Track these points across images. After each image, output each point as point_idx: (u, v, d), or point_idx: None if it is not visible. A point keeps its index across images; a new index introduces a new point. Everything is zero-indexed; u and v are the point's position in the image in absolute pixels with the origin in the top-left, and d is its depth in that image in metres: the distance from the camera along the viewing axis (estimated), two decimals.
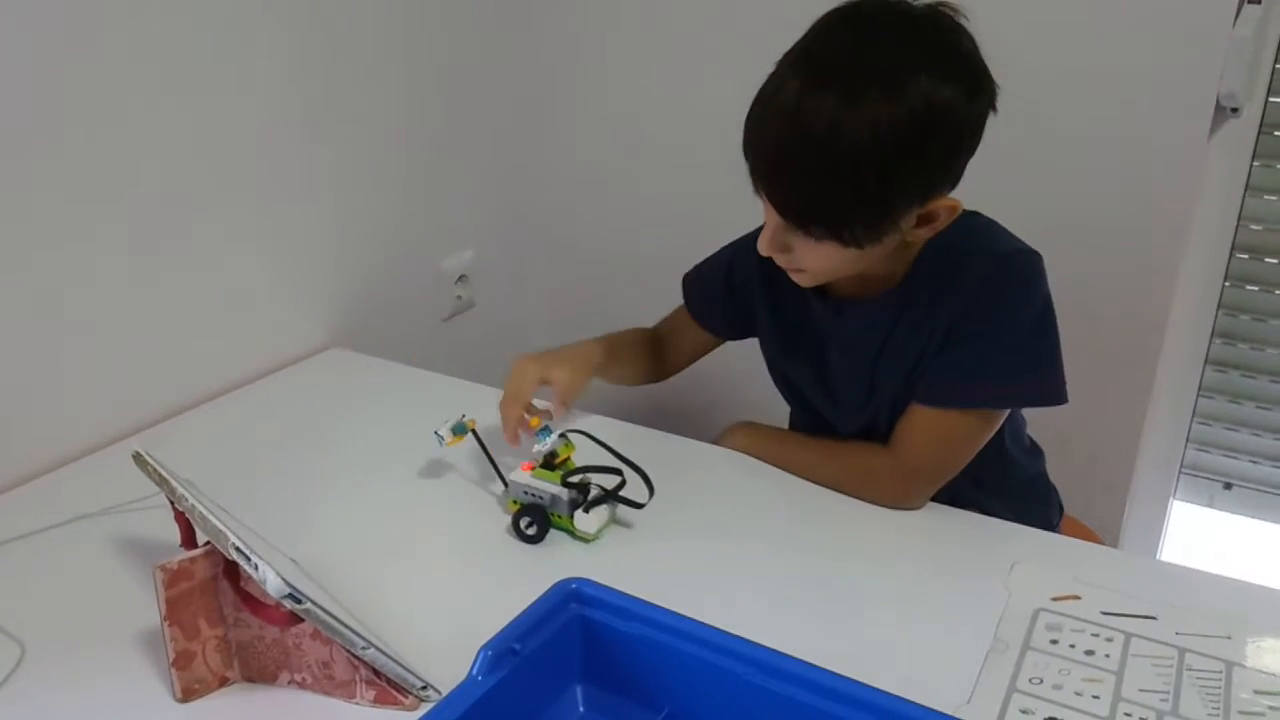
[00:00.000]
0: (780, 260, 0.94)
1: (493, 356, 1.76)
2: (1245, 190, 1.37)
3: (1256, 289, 1.42)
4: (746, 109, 0.87)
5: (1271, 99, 1.32)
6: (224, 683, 0.75)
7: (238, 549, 0.67)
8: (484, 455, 0.99)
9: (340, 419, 1.19)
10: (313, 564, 0.85)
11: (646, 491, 0.92)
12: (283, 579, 0.65)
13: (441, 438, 0.97)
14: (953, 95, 0.80)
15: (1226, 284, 1.43)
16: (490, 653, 0.64)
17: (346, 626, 0.69)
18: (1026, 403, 1.02)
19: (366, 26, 1.37)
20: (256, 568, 0.66)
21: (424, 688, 0.72)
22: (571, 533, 0.94)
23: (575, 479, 0.93)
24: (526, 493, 0.94)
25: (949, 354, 0.95)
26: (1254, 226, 1.39)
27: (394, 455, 1.09)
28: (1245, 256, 1.41)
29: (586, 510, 0.92)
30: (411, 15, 1.44)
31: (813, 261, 0.92)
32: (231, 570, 0.73)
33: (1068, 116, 1.33)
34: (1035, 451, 1.16)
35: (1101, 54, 1.29)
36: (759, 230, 0.95)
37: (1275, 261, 1.39)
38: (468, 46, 1.56)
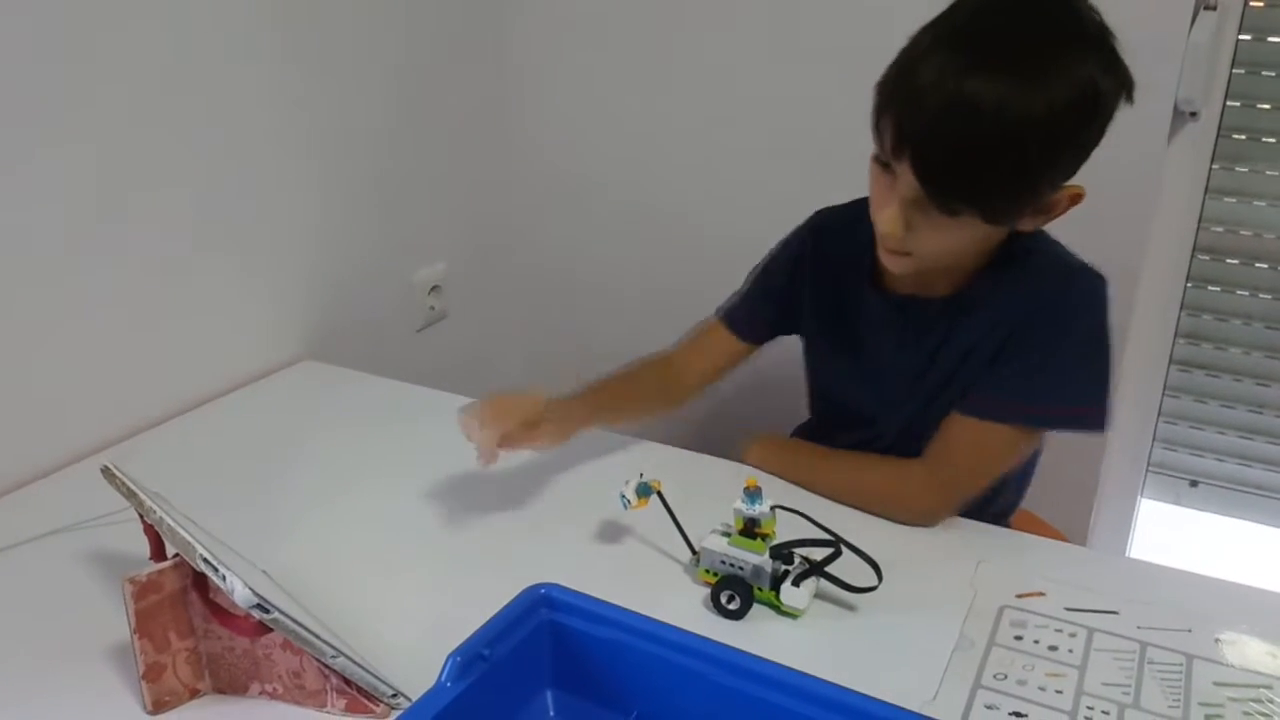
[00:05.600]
0: (893, 241, 0.91)
1: (465, 367, 1.77)
2: (1205, 193, 1.40)
3: (1218, 289, 1.45)
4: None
5: (1229, 103, 1.35)
6: (195, 694, 0.75)
7: (205, 560, 0.67)
8: (669, 517, 0.89)
9: (313, 431, 1.19)
10: (286, 575, 0.84)
11: (875, 575, 0.85)
12: (250, 589, 0.66)
13: (627, 500, 0.89)
14: (1110, 86, 0.84)
15: (1189, 285, 1.45)
16: (459, 658, 0.65)
17: (315, 635, 0.69)
18: (1072, 426, 0.97)
19: (340, 37, 1.37)
20: (224, 578, 0.66)
21: (395, 695, 0.73)
22: (776, 608, 0.85)
23: (783, 549, 0.85)
24: (724, 562, 0.86)
25: (1003, 367, 0.94)
26: (1215, 228, 1.41)
27: (367, 466, 1.09)
28: (1206, 258, 1.43)
29: (796, 583, 0.84)
30: (383, 26, 1.44)
31: (932, 242, 0.90)
32: (200, 582, 0.73)
33: None
34: None
35: None
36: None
37: (1236, 262, 1.42)
38: (440, 57, 1.57)
